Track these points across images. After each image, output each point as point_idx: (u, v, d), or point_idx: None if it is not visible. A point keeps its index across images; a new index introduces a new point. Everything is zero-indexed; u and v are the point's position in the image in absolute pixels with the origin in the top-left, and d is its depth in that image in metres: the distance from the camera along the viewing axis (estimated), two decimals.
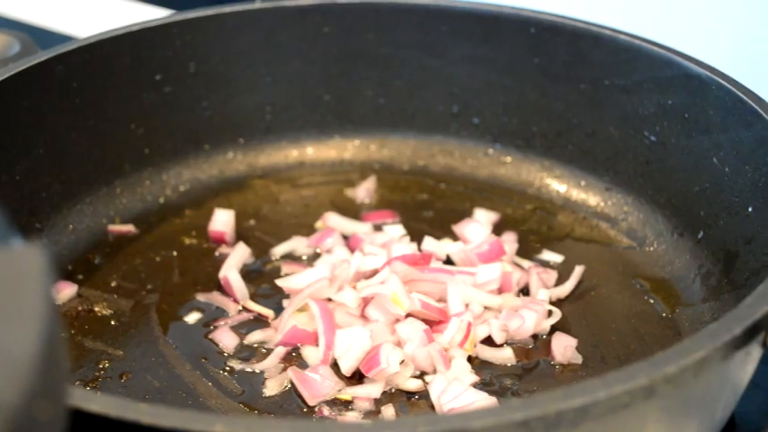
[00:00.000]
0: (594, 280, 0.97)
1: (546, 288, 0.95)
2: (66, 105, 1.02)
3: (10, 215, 0.41)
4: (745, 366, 0.71)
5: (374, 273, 0.93)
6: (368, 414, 0.81)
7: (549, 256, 1.02)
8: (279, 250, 1.03)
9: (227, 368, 0.87)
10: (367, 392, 0.83)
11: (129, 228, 1.06)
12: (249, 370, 0.86)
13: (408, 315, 0.88)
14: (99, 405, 0.55)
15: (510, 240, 1.02)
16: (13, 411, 0.33)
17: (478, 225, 1.01)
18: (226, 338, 0.90)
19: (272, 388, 0.84)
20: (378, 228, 1.05)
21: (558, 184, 1.12)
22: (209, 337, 0.91)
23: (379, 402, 0.83)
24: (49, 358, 0.36)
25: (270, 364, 0.86)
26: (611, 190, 1.08)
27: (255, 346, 0.89)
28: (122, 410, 0.55)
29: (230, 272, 0.96)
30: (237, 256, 1.00)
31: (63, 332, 0.88)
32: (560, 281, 0.97)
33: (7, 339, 0.35)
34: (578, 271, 0.97)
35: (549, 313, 0.92)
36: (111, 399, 0.56)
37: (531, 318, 0.89)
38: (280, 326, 0.89)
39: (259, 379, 0.86)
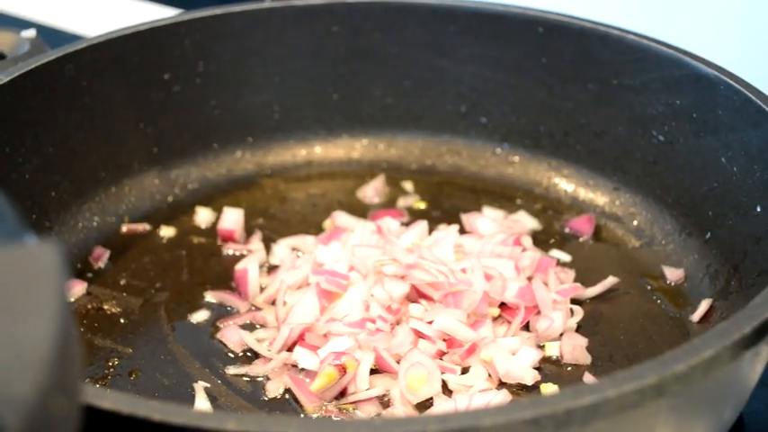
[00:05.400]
0: (602, 280, 0.97)
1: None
2: (76, 104, 1.03)
3: (20, 213, 0.41)
4: (753, 366, 0.71)
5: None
6: (377, 415, 0.82)
7: (557, 255, 1.02)
8: (282, 248, 1.02)
9: (236, 366, 0.87)
10: (367, 394, 0.83)
11: (143, 226, 1.07)
12: (255, 369, 0.86)
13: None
14: (111, 402, 0.55)
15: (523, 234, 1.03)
16: (29, 407, 0.33)
17: (489, 220, 1.02)
18: (233, 337, 0.90)
19: (273, 390, 0.84)
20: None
21: (566, 184, 1.12)
22: (217, 335, 0.91)
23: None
24: (63, 354, 0.36)
25: (273, 365, 0.86)
26: (619, 190, 1.08)
27: (262, 344, 0.89)
28: (134, 407, 0.55)
29: (251, 265, 0.97)
30: (260, 255, 1.00)
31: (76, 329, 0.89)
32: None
33: (22, 335, 0.35)
34: (609, 281, 0.96)
35: (571, 312, 0.92)
36: (123, 396, 0.56)
37: (559, 317, 0.89)
38: (278, 335, 0.89)
39: (265, 378, 0.86)
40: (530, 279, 0.94)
